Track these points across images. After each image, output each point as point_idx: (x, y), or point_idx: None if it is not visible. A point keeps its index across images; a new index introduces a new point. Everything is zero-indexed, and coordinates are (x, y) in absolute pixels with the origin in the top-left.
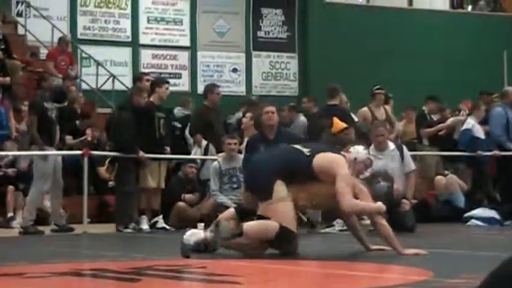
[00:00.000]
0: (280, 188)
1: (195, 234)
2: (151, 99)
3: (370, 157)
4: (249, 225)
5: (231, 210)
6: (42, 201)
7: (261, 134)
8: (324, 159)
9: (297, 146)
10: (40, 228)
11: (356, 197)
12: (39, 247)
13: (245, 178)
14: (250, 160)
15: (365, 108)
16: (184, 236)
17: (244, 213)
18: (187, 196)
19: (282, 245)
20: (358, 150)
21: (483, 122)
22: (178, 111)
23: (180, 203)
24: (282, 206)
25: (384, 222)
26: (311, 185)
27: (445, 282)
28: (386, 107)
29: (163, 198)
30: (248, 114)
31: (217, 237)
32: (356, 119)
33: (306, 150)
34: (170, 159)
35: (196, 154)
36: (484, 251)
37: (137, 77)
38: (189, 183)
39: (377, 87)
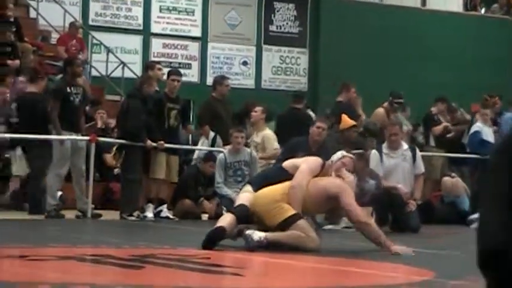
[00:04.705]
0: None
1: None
2: (165, 90)
3: (348, 155)
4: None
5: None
6: (60, 184)
7: (306, 141)
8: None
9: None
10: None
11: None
12: (44, 231)
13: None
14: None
15: (381, 110)
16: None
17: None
18: (206, 203)
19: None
20: (336, 154)
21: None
22: None
23: (187, 201)
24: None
25: (369, 221)
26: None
27: (448, 283)
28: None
29: (176, 188)
30: (258, 108)
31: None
32: (364, 116)
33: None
34: (175, 150)
35: (203, 145)
36: None
37: (149, 65)
38: (205, 178)
39: (397, 99)
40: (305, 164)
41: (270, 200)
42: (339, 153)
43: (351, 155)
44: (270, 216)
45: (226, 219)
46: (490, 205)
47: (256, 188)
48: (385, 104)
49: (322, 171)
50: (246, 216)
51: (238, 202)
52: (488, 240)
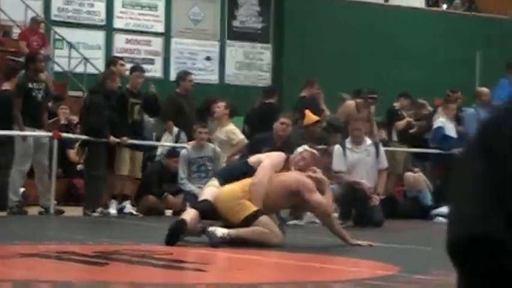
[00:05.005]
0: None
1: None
2: (127, 85)
3: (309, 149)
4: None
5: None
6: (22, 181)
7: (271, 136)
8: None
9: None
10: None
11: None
12: (6, 228)
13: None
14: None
15: (352, 103)
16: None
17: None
18: (171, 198)
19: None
20: (298, 149)
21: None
22: None
23: (151, 197)
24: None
25: (333, 216)
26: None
27: (412, 277)
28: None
29: (140, 184)
30: (221, 104)
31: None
32: (328, 112)
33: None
34: (138, 146)
35: (167, 141)
36: None
37: (111, 60)
38: (169, 174)
39: (371, 95)
40: (267, 160)
41: (232, 197)
42: (300, 148)
43: (312, 150)
44: (232, 213)
45: (189, 214)
46: (462, 194)
47: (222, 182)
48: (358, 99)
49: (286, 166)
50: (210, 211)
51: (202, 197)
52: (461, 228)
